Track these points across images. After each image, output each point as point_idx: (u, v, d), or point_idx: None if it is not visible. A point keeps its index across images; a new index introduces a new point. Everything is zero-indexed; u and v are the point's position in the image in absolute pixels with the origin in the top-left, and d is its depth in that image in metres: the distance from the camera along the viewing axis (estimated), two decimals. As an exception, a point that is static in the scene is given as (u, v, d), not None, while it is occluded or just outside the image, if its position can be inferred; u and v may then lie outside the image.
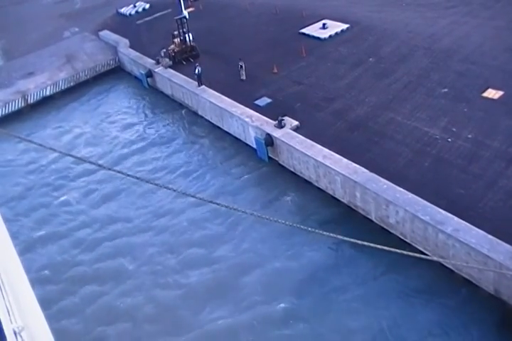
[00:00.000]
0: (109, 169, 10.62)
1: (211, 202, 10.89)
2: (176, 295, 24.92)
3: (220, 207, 27.30)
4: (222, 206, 10.88)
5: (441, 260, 21.86)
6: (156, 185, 11.28)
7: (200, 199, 11.32)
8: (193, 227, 28.57)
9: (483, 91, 30.01)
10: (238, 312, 23.29)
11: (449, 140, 26.78)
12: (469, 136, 26.78)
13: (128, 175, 10.43)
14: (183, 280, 25.62)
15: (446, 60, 33.96)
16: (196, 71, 36.98)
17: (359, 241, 11.31)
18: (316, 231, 11.77)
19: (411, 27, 39.61)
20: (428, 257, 21.29)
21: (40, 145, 10.24)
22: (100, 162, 32.96)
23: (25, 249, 28.18)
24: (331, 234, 11.47)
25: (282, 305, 23.25)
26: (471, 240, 20.76)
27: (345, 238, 11.45)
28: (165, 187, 11.07)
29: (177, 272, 26.14)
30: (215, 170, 32.95)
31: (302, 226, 12.15)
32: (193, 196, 11.07)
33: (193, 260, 26.58)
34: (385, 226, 24.93)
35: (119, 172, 10.68)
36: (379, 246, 11.39)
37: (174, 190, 11.17)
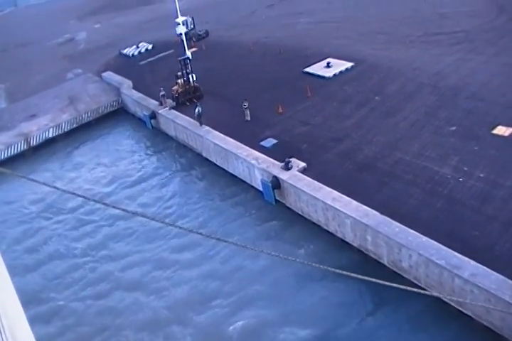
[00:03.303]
0: (134, 212, 10.16)
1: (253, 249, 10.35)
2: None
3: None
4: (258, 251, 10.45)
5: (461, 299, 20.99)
6: (181, 228, 11.15)
7: (241, 245, 10.86)
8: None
9: (493, 128, 29.51)
10: None
11: (461, 179, 26.09)
12: (481, 175, 26.10)
13: (148, 218, 10.17)
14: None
15: (453, 98, 33.61)
16: (197, 111, 36.75)
17: (373, 279, 11.35)
18: (329, 268, 11.58)
19: (416, 64, 39.46)
20: (448, 297, 20.63)
21: (44, 184, 10.23)
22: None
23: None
24: (344, 272, 11.19)
25: None
26: (491, 286, 19.84)
27: (359, 276, 11.30)
28: (193, 231, 10.72)
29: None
30: (221, 214, 31.94)
31: (314, 264, 12.00)
32: (226, 241, 10.65)
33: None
34: (398, 271, 24.05)
35: (154, 219, 10.17)
36: (394, 285, 11.36)
37: (202, 234, 10.77)
